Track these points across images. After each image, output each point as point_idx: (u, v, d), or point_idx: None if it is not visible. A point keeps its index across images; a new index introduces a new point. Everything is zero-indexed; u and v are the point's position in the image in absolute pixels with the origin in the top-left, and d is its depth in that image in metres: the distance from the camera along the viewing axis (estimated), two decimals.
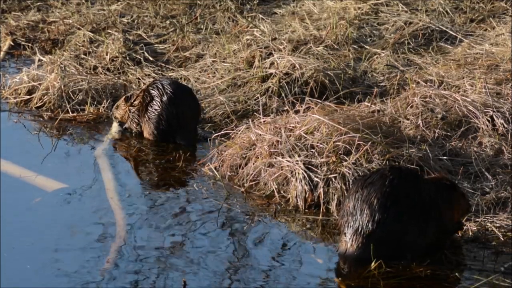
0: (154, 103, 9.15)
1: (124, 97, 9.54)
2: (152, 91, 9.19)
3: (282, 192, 8.03)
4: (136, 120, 9.34)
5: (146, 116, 9.20)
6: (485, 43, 10.67)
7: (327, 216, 7.74)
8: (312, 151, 8.09)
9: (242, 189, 8.20)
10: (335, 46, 10.81)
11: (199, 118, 9.36)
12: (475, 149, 8.36)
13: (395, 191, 6.83)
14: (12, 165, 8.63)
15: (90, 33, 11.40)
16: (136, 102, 9.33)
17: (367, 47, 10.77)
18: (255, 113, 9.32)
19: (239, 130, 8.73)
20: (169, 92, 9.11)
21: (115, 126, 9.53)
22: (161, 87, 9.14)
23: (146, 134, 9.29)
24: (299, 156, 8.05)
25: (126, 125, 9.47)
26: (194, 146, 9.12)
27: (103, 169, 8.64)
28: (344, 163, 7.88)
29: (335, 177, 7.85)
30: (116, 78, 10.45)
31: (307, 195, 7.87)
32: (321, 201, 7.81)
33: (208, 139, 9.06)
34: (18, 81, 10.23)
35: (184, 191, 8.28)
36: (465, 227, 7.31)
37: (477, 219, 7.45)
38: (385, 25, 11.26)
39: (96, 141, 9.29)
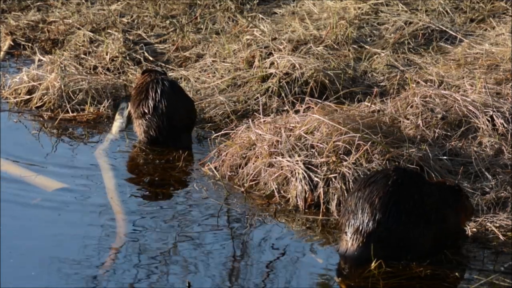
0: (148, 100, 9.04)
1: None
2: (148, 88, 9.07)
3: (282, 192, 8.03)
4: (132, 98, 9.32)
5: (139, 111, 9.07)
6: (485, 43, 10.67)
7: (327, 216, 7.73)
8: (312, 151, 8.09)
9: (242, 189, 8.20)
10: (335, 46, 10.80)
11: (194, 119, 9.25)
12: (475, 149, 8.36)
13: (397, 191, 6.82)
14: (12, 164, 8.63)
15: (90, 33, 11.40)
16: (135, 91, 9.28)
17: (367, 47, 10.77)
18: (255, 113, 9.32)
19: (239, 130, 8.72)
20: (163, 91, 9.00)
21: (115, 126, 9.52)
22: (157, 85, 9.03)
23: (138, 134, 9.19)
24: (299, 156, 8.05)
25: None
26: (190, 148, 9.07)
27: (103, 169, 8.64)
28: (344, 163, 7.88)
29: (335, 177, 7.84)
30: (116, 78, 10.44)
31: (307, 195, 7.87)
32: (321, 201, 7.81)
33: (208, 139, 9.06)
34: (18, 81, 10.22)
35: (184, 191, 8.28)
36: (466, 233, 7.31)
37: (477, 219, 7.45)
38: (385, 25, 11.25)
39: (96, 141, 9.29)
